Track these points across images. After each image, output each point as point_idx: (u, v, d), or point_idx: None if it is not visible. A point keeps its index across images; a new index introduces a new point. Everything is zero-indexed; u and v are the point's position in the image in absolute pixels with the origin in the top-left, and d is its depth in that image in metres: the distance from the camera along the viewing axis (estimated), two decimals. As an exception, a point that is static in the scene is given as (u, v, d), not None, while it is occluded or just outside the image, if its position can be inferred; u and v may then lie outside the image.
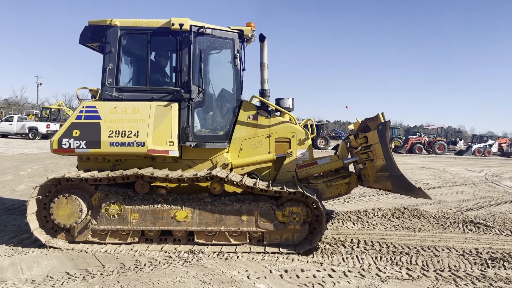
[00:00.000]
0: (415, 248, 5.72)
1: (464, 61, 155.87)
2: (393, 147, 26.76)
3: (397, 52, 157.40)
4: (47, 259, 4.90)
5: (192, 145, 5.72)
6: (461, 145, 37.67)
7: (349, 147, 6.43)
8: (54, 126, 32.00)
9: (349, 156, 6.38)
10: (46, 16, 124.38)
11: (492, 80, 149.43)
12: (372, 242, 5.96)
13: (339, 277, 4.58)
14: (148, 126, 5.46)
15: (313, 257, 5.21)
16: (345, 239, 6.11)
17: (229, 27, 6.00)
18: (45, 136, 31.39)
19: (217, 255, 5.18)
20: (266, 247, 5.39)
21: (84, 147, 5.41)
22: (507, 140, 39.66)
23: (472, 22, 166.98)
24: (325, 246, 5.64)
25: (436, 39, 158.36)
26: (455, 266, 5.04)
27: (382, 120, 5.32)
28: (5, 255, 4.98)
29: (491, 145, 35.91)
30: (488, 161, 27.14)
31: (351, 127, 6.95)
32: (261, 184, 5.44)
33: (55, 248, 5.23)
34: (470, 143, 37.39)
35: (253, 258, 5.10)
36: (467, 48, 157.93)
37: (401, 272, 4.78)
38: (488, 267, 5.04)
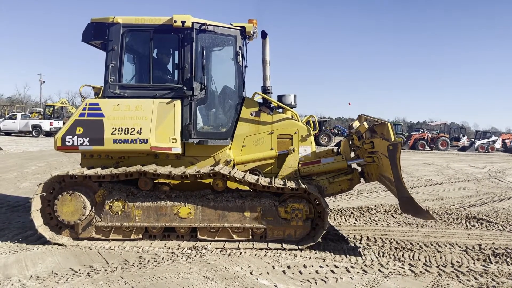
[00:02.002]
0: (418, 244, 5.73)
1: (467, 57, 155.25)
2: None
3: (399, 49, 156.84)
4: (51, 256, 4.94)
5: (195, 142, 5.74)
6: (464, 141, 37.56)
7: (352, 144, 6.43)
8: (57, 123, 32.12)
9: (351, 154, 6.39)
10: (49, 14, 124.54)
11: (495, 75, 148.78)
12: (374, 238, 5.97)
13: (341, 273, 4.60)
14: (151, 123, 5.48)
15: (315, 253, 5.23)
16: (348, 235, 6.13)
17: (231, 24, 6.00)
18: (49, 134, 31.55)
19: (220, 251, 5.21)
20: (269, 243, 5.41)
21: (88, 144, 5.44)
22: (511, 136, 39.47)
23: (475, 18, 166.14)
24: (327, 242, 5.65)
25: (439, 36, 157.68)
26: (457, 262, 5.05)
27: (392, 135, 5.10)
28: (10, 252, 5.02)
29: (494, 141, 35.75)
30: (491, 157, 27.06)
31: (355, 124, 6.91)
32: (264, 181, 5.46)
33: (59, 244, 5.27)
34: (473, 139, 37.25)
35: (256, 254, 5.13)
36: (470, 44, 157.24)
37: (403, 268, 4.79)
38: (491, 262, 5.05)
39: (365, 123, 5.77)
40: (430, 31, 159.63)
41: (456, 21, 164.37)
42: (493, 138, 36.37)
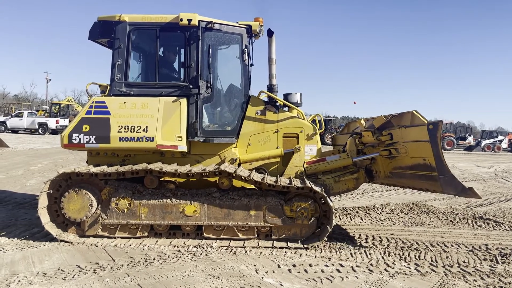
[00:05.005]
0: (424, 243, 5.70)
1: (473, 55, 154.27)
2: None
3: (404, 48, 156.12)
4: (58, 253, 4.97)
5: (201, 140, 5.75)
6: (470, 140, 37.35)
7: (358, 143, 6.36)
8: (63, 121, 32.34)
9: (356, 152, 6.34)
10: (55, 12, 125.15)
11: (502, 75, 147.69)
12: (380, 237, 5.95)
13: (347, 272, 4.58)
14: (157, 121, 5.49)
15: (321, 252, 5.22)
16: (353, 234, 6.11)
17: (237, 22, 5.99)
18: (55, 132, 31.75)
19: (226, 249, 5.21)
20: (274, 241, 5.40)
21: (94, 142, 5.46)
22: (517, 136, 39.18)
23: (479, 17, 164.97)
24: (333, 241, 5.64)
25: (444, 34, 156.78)
26: (464, 262, 5.02)
27: (423, 119, 5.15)
28: (16, 249, 5.05)
29: (501, 141, 35.55)
30: (498, 157, 26.89)
31: (362, 122, 6.88)
32: (269, 179, 5.45)
33: (66, 241, 5.30)
34: (479, 139, 37.04)
35: (261, 253, 5.13)
36: (476, 42, 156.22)
37: (409, 268, 4.77)
38: (498, 263, 5.02)
39: (382, 116, 5.81)
40: (435, 30, 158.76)
41: (461, 20, 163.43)
42: (500, 137, 36.15)
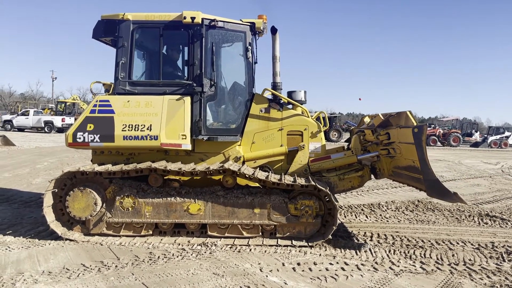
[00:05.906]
0: (429, 241, 5.66)
1: (479, 52, 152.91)
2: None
3: (410, 44, 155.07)
4: (63, 251, 4.99)
5: (205, 139, 5.74)
6: (476, 137, 37.06)
7: (363, 141, 6.34)
8: (69, 120, 32.53)
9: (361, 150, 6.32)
10: (60, 11, 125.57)
11: (509, 70, 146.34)
12: (385, 235, 5.92)
13: (352, 270, 4.57)
14: (161, 119, 5.49)
15: (325, 250, 5.21)
16: (358, 232, 6.08)
17: (240, 20, 5.97)
18: (60, 130, 31.94)
19: (230, 247, 5.21)
20: (279, 240, 5.39)
21: (98, 141, 5.47)
22: (524, 132, 38.79)
23: (483, 14, 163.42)
24: (338, 239, 5.62)
25: (449, 32, 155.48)
26: (470, 259, 4.98)
27: (413, 121, 5.12)
28: (22, 247, 5.08)
29: (507, 137, 35.19)
30: (504, 153, 26.65)
31: (366, 119, 6.85)
32: (274, 177, 5.44)
33: (71, 240, 5.32)
34: (486, 135, 36.73)
35: (265, 251, 5.12)
36: (481, 38, 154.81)
37: (415, 266, 4.75)
38: (504, 261, 4.98)
39: (380, 115, 5.80)
40: (440, 27, 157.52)
41: (467, 16, 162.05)
42: (506, 133, 35.79)
